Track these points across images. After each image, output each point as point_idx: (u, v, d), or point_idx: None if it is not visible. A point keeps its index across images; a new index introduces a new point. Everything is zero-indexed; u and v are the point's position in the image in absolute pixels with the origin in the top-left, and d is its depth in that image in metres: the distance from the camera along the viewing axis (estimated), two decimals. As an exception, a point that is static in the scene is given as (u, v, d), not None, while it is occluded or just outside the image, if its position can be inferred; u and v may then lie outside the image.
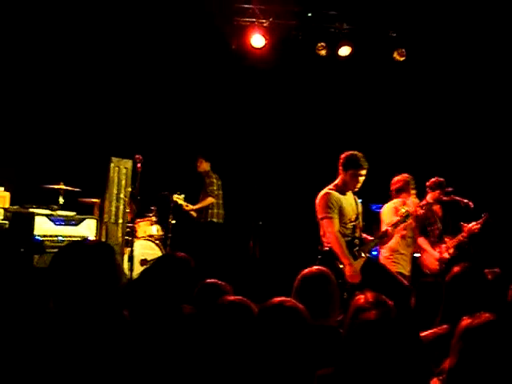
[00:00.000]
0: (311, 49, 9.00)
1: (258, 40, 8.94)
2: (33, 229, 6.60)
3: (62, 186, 7.65)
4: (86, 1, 8.36)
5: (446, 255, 6.93)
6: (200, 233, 8.61)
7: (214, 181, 8.58)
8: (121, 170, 7.50)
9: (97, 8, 8.39)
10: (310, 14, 8.69)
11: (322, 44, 8.84)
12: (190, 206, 8.60)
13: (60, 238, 6.97)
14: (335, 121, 9.96)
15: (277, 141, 9.95)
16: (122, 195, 7.54)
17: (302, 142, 9.99)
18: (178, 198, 8.41)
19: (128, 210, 7.81)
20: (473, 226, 6.87)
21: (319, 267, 3.71)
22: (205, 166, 8.74)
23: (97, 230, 7.40)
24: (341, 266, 5.54)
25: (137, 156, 7.37)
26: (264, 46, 8.98)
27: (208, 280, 3.60)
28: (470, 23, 8.37)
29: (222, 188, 8.79)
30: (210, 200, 8.51)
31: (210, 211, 8.57)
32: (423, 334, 3.08)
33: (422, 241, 7.09)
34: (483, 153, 9.27)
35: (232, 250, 8.88)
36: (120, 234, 7.77)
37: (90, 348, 2.26)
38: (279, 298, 2.35)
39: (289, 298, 2.40)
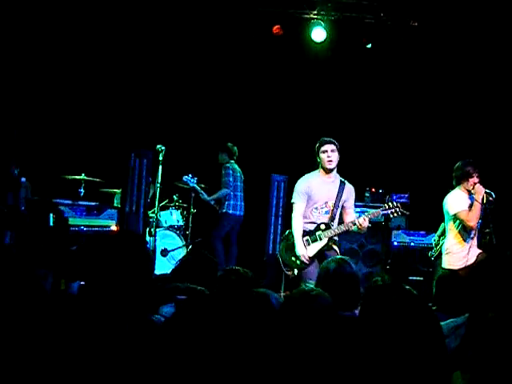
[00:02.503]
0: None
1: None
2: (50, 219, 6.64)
3: (84, 177, 7.74)
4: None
5: None
6: (215, 223, 8.60)
7: (231, 172, 8.53)
8: (142, 160, 7.56)
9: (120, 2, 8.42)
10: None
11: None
12: (206, 197, 8.57)
13: (82, 228, 7.05)
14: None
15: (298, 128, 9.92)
16: (142, 186, 7.59)
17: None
18: (186, 183, 8.32)
19: (149, 200, 7.87)
20: None
21: (342, 257, 3.73)
22: (222, 157, 8.72)
23: (118, 219, 7.47)
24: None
25: (158, 146, 7.36)
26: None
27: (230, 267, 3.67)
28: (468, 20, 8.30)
29: (243, 180, 8.74)
30: (223, 191, 8.47)
31: (226, 203, 8.54)
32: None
33: None
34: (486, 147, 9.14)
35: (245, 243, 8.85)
36: (141, 224, 7.84)
37: (111, 342, 2.28)
38: (307, 287, 2.37)
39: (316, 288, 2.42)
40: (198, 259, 3.83)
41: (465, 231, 6.26)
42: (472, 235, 6.28)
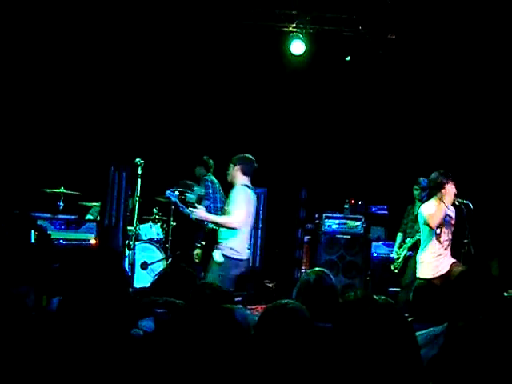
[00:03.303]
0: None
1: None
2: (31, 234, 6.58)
3: (63, 190, 7.69)
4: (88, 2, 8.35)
5: None
6: (196, 236, 8.56)
7: (210, 184, 8.53)
8: (121, 173, 7.53)
9: (101, 10, 8.40)
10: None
11: None
12: (187, 211, 8.51)
13: (61, 242, 7.00)
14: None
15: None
16: (122, 199, 7.56)
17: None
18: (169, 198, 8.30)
19: (128, 214, 7.83)
20: None
21: (321, 269, 3.75)
22: (199, 170, 8.73)
23: (97, 233, 7.42)
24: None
25: (137, 160, 7.35)
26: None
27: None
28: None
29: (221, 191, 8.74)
30: (204, 203, 8.44)
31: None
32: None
33: None
34: (479, 153, 9.27)
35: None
36: (120, 237, 7.79)
37: (91, 354, 2.28)
38: (283, 300, 2.38)
39: (292, 300, 2.43)
40: (176, 272, 3.83)
41: (438, 241, 6.37)
42: (445, 245, 6.40)
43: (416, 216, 7.07)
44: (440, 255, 6.37)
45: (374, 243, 8.78)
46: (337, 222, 8.93)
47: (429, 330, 3.09)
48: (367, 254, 8.79)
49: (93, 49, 8.79)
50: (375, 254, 8.71)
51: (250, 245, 6.40)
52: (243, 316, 2.35)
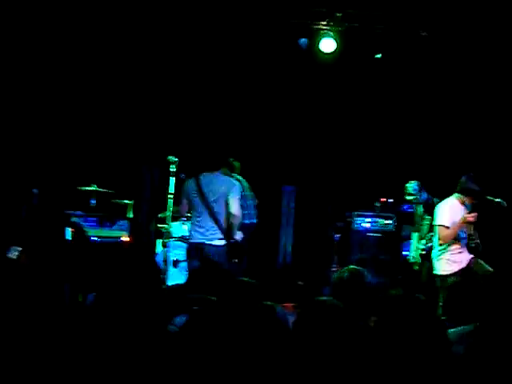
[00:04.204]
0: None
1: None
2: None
3: (96, 188, 7.78)
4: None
5: None
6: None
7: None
8: (153, 171, 7.59)
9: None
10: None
11: None
12: None
13: (95, 239, 7.09)
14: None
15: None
16: (154, 197, 7.62)
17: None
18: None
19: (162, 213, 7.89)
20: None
21: (356, 267, 3.75)
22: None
23: (130, 230, 7.50)
24: None
25: (170, 157, 7.36)
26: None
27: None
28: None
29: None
30: None
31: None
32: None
33: None
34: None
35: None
36: (153, 235, 7.87)
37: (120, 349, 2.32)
38: (321, 298, 2.40)
39: (329, 298, 2.45)
40: (209, 269, 3.87)
41: (455, 240, 6.33)
42: (463, 244, 6.36)
43: (422, 215, 7.10)
44: (460, 252, 6.36)
45: (405, 242, 8.73)
46: (368, 220, 8.90)
47: (459, 328, 3.09)
48: (398, 253, 8.74)
49: (124, 51, 8.85)
50: (406, 253, 8.66)
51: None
52: (283, 313, 2.37)
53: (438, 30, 8.64)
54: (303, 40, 8.71)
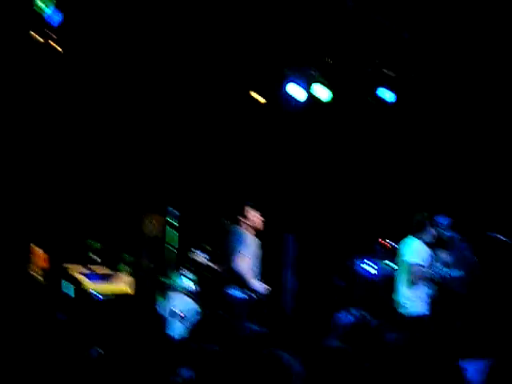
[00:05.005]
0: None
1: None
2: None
3: (97, 243, 7.80)
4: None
5: None
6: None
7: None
8: (154, 224, 7.60)
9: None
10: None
11: None
12: None
13: (96, 295, 7.07)
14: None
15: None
16: (156, 250, 7.63)
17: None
18: None
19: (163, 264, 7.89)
20: None
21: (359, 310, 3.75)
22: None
23: (131, 284, 7.47)
24: None
25: (171, 210, 7.41)
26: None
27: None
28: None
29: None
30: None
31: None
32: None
33: None
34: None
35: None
36: (153, 287, 7.83)
37: None
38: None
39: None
40: (211, 319, 3.87)
41: None
42: None
43: None
44: None
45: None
46: (369, 263, 8.90)
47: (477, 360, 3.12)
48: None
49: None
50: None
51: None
52: (289, 360, 2.37)
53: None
54: None
